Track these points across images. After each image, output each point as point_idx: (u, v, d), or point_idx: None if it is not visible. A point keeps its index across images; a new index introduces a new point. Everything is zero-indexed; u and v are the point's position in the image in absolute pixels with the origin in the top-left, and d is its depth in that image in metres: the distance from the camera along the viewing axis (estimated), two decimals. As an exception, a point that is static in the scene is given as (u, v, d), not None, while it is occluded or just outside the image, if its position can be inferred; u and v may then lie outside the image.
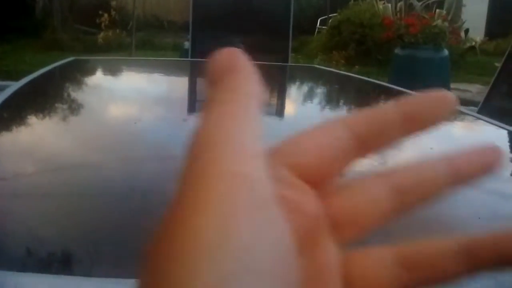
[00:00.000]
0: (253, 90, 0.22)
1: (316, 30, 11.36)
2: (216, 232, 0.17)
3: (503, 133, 1.58)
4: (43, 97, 1.86)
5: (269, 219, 0.18)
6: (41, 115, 1.63)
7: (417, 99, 0.27)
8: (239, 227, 0.17)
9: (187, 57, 4.67)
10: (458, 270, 0.24)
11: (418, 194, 0.25)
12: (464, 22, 8.82)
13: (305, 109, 1.96)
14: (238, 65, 0.23)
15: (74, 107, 1.74)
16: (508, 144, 1.61)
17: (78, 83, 2.25)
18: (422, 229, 0.92)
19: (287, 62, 4.74)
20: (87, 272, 0.77)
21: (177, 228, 0.18)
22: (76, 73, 2.38)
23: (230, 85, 0.22)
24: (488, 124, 1.66)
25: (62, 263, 0.79)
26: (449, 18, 6.88)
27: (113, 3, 10.25)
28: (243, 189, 0.18)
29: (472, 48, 10.07)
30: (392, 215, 0.25)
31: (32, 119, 1.59)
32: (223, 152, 0.19)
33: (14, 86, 1.76)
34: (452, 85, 6.96)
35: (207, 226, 0.17)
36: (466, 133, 1.74)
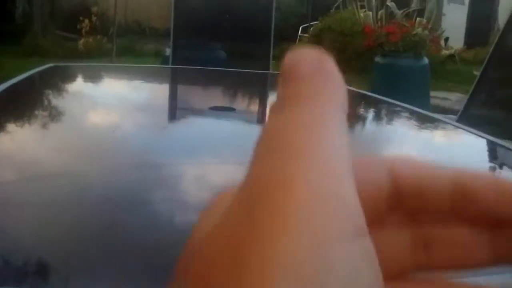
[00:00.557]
0: (342, 97, 0.19)
1: (298, 37, 11.41)
2: (313, 264, 0.14)
3: (482, 142, 1.60)
4: (22, 103, 1.84)
5: (366, 254, 0.16)
6: (18, 122, 1.61)
7: (484, 182, 0.22)
8: (338, 261, 0.15)
9: (168, 64, 4.66)
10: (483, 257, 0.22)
11: None
12: (444, 31, 8.93)
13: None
14: (326, 67, 0.20)
15: (53, 114, 1.72)
16: (487, 153, 1.62)
17: (58, 89, 2.23)
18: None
19: (268, 69, 4.75)
20: (64, 285, 0.76)
21: (258, 248, 0.15)
22: (55, 79, 2.36)
23: (318, 87, 0.19)
24: (467, 133, 1.67)
25: (38, 275, 0.78)
26: (429, 26, 6.95)
27: (94, 9, 10.20)
28: (340, 214, 0.15)
29: (452, 56, 10.18)
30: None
31: (10, 126, 1.57)
32: (312, 164, 0.16)
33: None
34: (432, 93, 7.03)
35: (303, 255, 0.14)
36: (446, 142, 1.75)
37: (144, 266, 0.80)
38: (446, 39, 9.91)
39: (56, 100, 1.93)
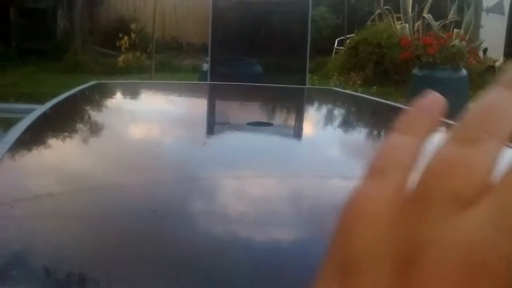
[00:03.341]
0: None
1: (334, 50, 11.40)
2: None
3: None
4: (68, 120, 1.90)
5: None
6: (65, 138, 1.68)
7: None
8: None
9: (206, 79, 4.73)
10: None
11: None
12: (482, 42, 8.81)
13: (322, 132, 1.98)
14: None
15: (97, 131, 1.79)
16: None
17: (101, 106, 2.30)
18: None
19: (305, 83, 4.77)
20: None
21: None
22: (99, 96, 2.43)
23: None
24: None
25: (82, 285, 0.81)
26: (467, 37, 6.88)
27: (133, 26, 10.39)
28: None
29: (491, 67, 10.03)
30: None
31: (57, 142, 1.63)
32: None
33: (39, 110, 1.81)
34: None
35: None
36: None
37: (187, 276, 0.83)
38: (485, 50, 9.76)
39: (100, 116, 2.00)
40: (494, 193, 0.23)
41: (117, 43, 10.15)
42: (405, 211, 0.25)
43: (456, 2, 8.30)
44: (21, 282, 0.78)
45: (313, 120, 2.27)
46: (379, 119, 2.40)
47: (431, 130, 0.28)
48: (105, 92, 2.54)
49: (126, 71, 9.55)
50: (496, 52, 10.91)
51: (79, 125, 1.86)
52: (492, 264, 0.22)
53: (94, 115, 2.05)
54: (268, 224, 1.03)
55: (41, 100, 1.86)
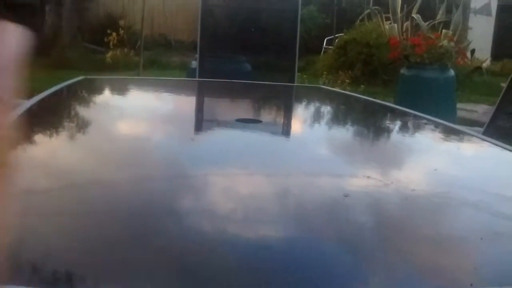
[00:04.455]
0: None
1: (323, 50, 11.42)
2: None
3: (509, 155, 1.59)
4: (54, 115, 1.89)
5: None
6: (51, 133, 1.66)
7: None
8: None
9: (195, 77, 4.71)
10: None
11: None
12: (470, 43, 8.86)
13: (310, 129, 1.98)
14: None
15: (83, 126, 1.77)
16: (513, 165, 1.61)
17: (88, 101, 2.28)
18: (425, 249, 0.94)
19: (294, 82, 4.77)
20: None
21: None
22: (86, 91, 2.41)
23: None
24: (493, 145, 1.67)
25: (69, 281, 0.80)
26: (455, 38, 6.91)
27: (121, 22, 10.34)
28: None
29: (478, 68, 10.09)
30: None
31: (44, 137, 1.62)
32: None
33: (25, 104, 1.79)
34: (458, 105, 6.97)
35: None
36: (471, 155, 1.75)
37: (173, 272, 0.82)
38: (473, 51, 9.82)
39: (86, 111, 1.98)
40: None
41: (105, 40, 10.10)
42: None
43: (445, 3, 8.33)
44: (10, 278, 0.76)
45: (301, 117, 2.27)
46: (366, 117, 2.41)
47: None
48: (92, 87, 2.52)
49: (114, 67, 9.51)
50: (483, 53, 10.98)
51: (65, 120, 1.84)
52: None
53: (81, 110, 2.04)
54: (256, 221, 1.03)
55: (27, 96, 1.84)
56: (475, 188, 1.31)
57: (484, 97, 8.51)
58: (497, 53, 11.55)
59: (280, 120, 2.28)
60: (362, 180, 1.26)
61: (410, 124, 2.19)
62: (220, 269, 0.83)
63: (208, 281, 0.79)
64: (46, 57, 10.02)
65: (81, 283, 0.80)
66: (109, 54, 9.95)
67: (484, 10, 12.48)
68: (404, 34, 7.15)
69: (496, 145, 1.65)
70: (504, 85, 3.85)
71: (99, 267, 0.82)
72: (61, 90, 2.15)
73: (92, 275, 0.81)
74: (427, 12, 8.81)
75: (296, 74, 4.89)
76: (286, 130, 2.01)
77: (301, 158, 1.48)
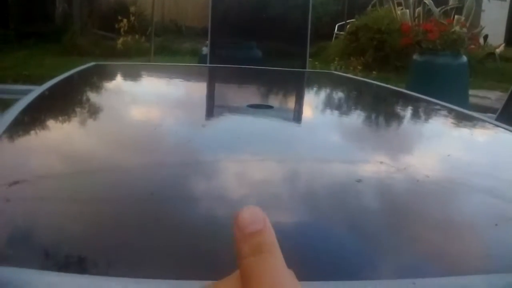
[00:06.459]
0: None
1: (334, 35, 11.36)
2: None
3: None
4: (65, 101, 1.89)
5: None
6: (63, 119, 1.66)
7: None
8: None
9: (206, 63, 4.70)
10: None
11: None
12: (483, 28, 8.76)
13: (321, 115, 1.97)
14: (264, 224, 0.32)
15: (95, 111, 1.77)
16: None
17: (100, 87, 2.28)
18: (439, 235, 0.93)
19: (305, 68, 4.75)
20: (105, 273, 0.78)
21: None
22: (97, 77, 2.41)
23: (262, 241, 0.31)
24: (506, 131, 1.66)
25: (82, 265, 0.81)
26: (468, 24, 6.84)
27: (132, 9, 10.33)
28: None
29: (492, 54, 9.99)
30: None
31: (55, 123, 1.62)
32: None
33: (37, 90, 1.79)
34: (471, 92, 6.92)
35: None
36: (484, 141, 1.73)
37: (185, 258, 0.82)
38: (486, 37, 9.72)
39: (97, 97, 1.98)
40: None
41: (116, 26, 10.10)
42: None
43: (458, -12, 8.24)
44: (21, 262, 0.77)
45: (313, 102, 2.25)
46: (378, 102, 2.39)
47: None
48: (103, 73, 2.52)
49: (125, 54, 9.52)
50: (496, 39, 10.87)
51: (77, 106, 1.84)
52: None
53: (92, 95, 2.04)
54: (270, 207, 1.02)
55: (39, 82, 1.85)
56: (489, 174, 1.30)
57: (497, 84, 8.43)
58: (511, 39, 11.43)
59: (292, 105, 2.27)
60: (375, 165, 1.26)
61: (422, 109, 2.17)
62: (229, 255, 0.82)
63: (223, 266, 0.79)
64: (57, 43, 10.04)
65: (95, 267, 0.81)
66: (120, 40, 9.96)
67: (498, -5, 12.34)
68: (416, 20, 7.08)
69: (510, 131, 1.63)
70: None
71: (102, 252, 0.83)
72: (72, 76, 2.15)
73: (95, 259, 0.81)
74: (440, -2, 8.72)
75: (308, 60, 4.87)
76: (298, 116, 2.00)
77: (313, 144, 1.47)
